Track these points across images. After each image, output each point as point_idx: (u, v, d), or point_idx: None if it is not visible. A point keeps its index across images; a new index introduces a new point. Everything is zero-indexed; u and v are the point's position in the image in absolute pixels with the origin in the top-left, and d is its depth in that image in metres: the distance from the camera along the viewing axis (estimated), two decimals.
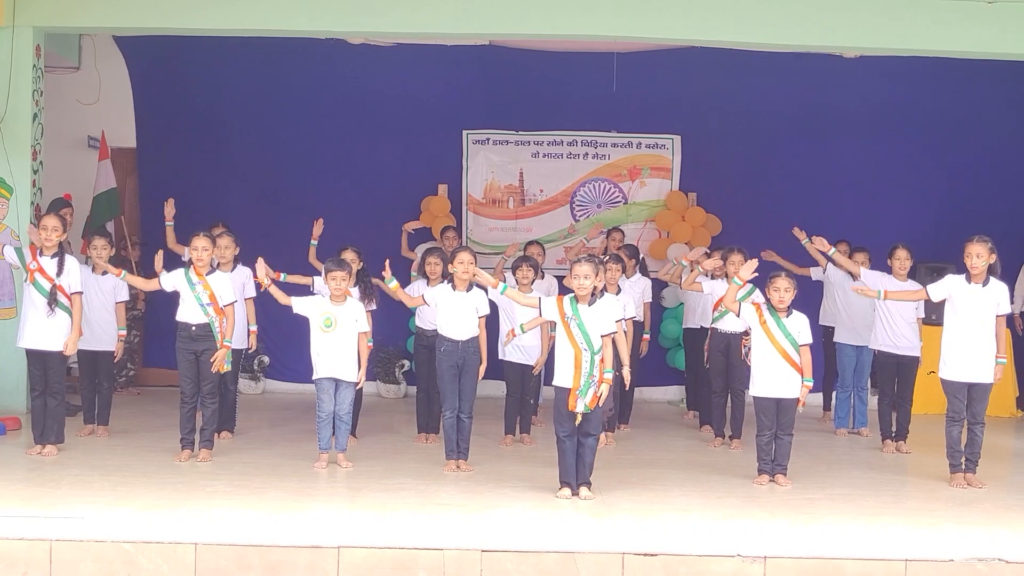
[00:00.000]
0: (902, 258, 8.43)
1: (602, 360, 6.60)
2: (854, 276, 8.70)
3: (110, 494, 6.41)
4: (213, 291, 7.44)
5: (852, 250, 9.21)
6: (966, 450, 7.36)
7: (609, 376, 6.65)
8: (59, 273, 7.43)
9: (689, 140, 11.27)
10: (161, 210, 8.96)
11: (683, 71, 10.92)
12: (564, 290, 7.44)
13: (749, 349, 7.60)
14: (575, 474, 6.68)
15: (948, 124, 11.15)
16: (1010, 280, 8.87)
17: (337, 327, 7.35)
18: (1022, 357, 10.45)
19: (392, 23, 9.32)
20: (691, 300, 9.62)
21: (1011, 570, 5.61)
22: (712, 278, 8.67)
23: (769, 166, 11.21)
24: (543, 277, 8.99)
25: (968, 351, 7.24)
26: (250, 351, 8.72)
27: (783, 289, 7.22)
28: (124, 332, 8.33)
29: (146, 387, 10.82)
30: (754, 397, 7.40)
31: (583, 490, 6.64)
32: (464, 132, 11.21)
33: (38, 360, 7.54)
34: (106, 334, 8.21)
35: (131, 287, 8.28)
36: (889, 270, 8.47)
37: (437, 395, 7.93)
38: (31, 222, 8.71)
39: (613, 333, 6.70)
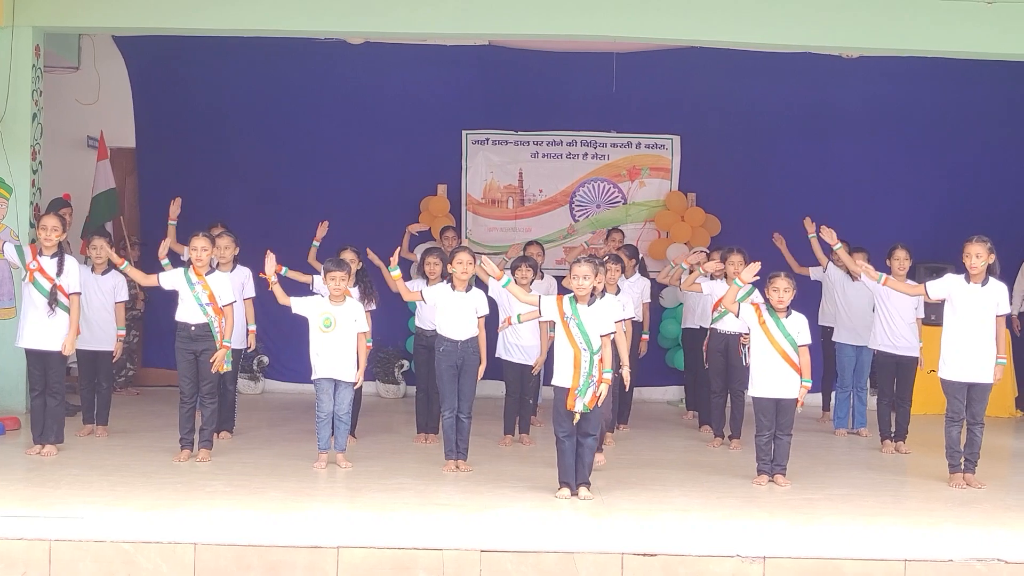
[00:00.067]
0: (901, 258, 8.43)
1: (601, 360, 6.60)
2: (853, 276, 8.68)
3: (109, 494, 6.41)
4: (212, 291, 7.44)
5: (851, 250, 9.19)
6: (965, 450, 7.35)
7: (608, 376, 6.65)
8: (59, 273, 7.43)
9: (688, 140, 11.26)
10: (161, 210, 8.95)
11: (683, 71, 10.92)
12: (564, 290, 7.44)
13: (748, 348, 7.59)
14: (574, 474, 6.67)
15: (948, 124, 11.15)
16: (1009, 280, 8.87)
17: (336, 327, 7.34)
18: (1022, 357, 10.44)
19: (392, 23, 9.32)
20: (690, 300, 9.62)
21: (1010, 570, 5.60)
22: (712, 279, 8.67)
23: (769, 166, 11.20)
24: (542, 277, 8.99)
25: (968, 351, 7.23)
26: (249, 351, 8.73)
27: (782, 289, 7.21)
28: (123, 332, 8.32)
29: (145, 387, 10.80)
30: (753, 397, 7.40)
31: (582, 490, 6.64)
32: (463, 132, 11.20)
33: (38, 360, 7.54)
34: (105, 334, 8.20)
35: (130, 286, 8.26)
36: (888, 270, 8.46)
37: (436, 395, 7.93)
38: (31, 222, 8.71)
39: (612, 333, 6.70)
